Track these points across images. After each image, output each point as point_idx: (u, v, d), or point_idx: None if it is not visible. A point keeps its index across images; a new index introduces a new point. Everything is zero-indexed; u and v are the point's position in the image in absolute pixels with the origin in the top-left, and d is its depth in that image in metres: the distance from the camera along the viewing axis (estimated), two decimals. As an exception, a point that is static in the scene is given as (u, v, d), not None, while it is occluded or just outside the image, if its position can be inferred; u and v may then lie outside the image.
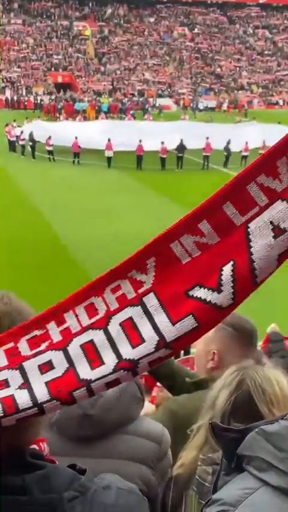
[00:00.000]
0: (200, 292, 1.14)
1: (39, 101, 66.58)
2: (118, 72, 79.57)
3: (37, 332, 1.20)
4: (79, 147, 33.68)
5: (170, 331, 1.14)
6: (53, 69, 77.70)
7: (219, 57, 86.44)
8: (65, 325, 1.20)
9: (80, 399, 1.16)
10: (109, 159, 32.99)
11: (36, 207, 23.25)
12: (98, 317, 1.19)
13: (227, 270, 1.13)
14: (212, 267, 1.15)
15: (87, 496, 1.19)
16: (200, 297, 1.14)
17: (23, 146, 36.17)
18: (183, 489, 2.29)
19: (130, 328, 1.17)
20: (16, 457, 1.19)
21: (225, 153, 33.73)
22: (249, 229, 1.15)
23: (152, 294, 1.18)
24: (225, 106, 70.62)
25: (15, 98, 68.42)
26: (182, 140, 32.92)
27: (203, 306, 1.14)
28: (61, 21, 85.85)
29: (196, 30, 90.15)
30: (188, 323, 1.14)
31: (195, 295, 1.15)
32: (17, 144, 36.91)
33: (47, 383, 1.15)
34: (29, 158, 35.14)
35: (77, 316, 1.20)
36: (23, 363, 1.18)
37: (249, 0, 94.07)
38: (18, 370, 1.17)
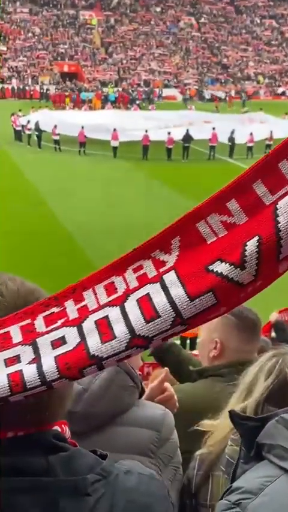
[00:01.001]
0: (221, 267, 1.10)
1: (45, 91, 66.49)
2: (124, 61, 79.33)
3: (55, 309, 1.18)
4: (85, 136, 33.65)
5: (188, 307, 1.10)
6: (59, 58, 77.52)
7: (225, 47, 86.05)
8: (83, 303, 1.18)
9: (88, 375, 1.13)
10: (115, 148, 32.96)
11: (42, 196, 23.29)
12: (116, 295, 1.17)
13: (252, 244, 1.10)
14: (236, 243, 1.11)
15: (109, 480, 1.19)
16: (221, 273, 1.09)
17: (29, 136, 36.16)
18: (209, 469, 2.30)
19: (146, 303, 1.13)
20: (40, 437, 1.19)
21: (230, 144, 33.65)
22: (277, 206, 1.11)
23: (172, 272, 1.15)
24: (231, 97, 70.46)
25: (21, 87, 68.36)
26: (188, 130, 32.85)
27: (223, 283, 1.09)
28: (67, 10, 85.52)
29: (203, 20, 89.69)
30: (208, 300, 1.09)
31: (215, 270, 1.10)
32: (23, 133, 36.91)
33: (56, 357, 1.11)
34: (35, 147, 35.13)
35: (95, 294, 1.18)
36: (37, 339, 1.15)
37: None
38: (30, 346, 1.14)
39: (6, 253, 15.62)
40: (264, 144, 33.33)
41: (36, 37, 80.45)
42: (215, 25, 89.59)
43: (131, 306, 1.14)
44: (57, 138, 34.61)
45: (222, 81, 78.31)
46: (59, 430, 1.25)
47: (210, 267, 1.11)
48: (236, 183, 1.16)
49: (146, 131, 32.60)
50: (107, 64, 78.59)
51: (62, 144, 34.69)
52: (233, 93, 73.24)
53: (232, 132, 33.57)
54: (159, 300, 1.12)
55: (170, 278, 1.14)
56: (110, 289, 1.17)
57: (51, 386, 1.10)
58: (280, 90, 77.33)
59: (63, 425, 1.26)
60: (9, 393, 1.09)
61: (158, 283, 1.14)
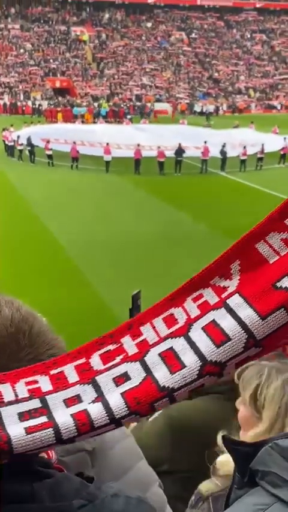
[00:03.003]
0: None
1: (37, 106, 66.69)
2: (116, 77, 79.69)
3: (111, 347, 1.14)
4: (77, 151, 33.70)
5: (260, 327, 1.05)
6: (50, 74, 77.81)
7: (216, 62, 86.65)
8: (141, 338, 1.13)
9: (159, 409, 1.08)
10: (107, 163, 33.00)
11: (34, 211, 23.22)
12: (177, 326, 1.12)
13: None
14: None
15: (95, 504, 1.16)
16: None
17: (21, 151, 36.19)
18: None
19: (213, 329, 1.08)
20: (24, 465, 1.16)
21: (221, 157, 33.76)
22: None
23: (236, 295, 1.10)
24: (222, 110, 70.89)
25: (13, 102, 68.53)
26: (180, 144, 32.94)
27: None
28: (59, 26, 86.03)
29: (193, 35, 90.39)
30: (280, 316, 1.04)
31: (284, 286, 1.05)
32: (15, 148, 36.93)
33: (123, 394, 1.07)
34: (27, 163, 35.13)
35: (154, 327, 1.13)
36: (96, 377, 1.12)
37: (246, 4, 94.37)
38: (90, 385, 1.11)
39: (-1, 268, 15.54)
40: (256, 157, 33.52)
41: (27, 53, 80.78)
42: (206, 40, 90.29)
43: (197, 335, 1.09)
44: (50, 153, 34.63)
45: (214, 95, 78.74)
46: (45, 456, 1.23)
47: (278, 284, 1.06)
48: None
49: (138, 145, 32.66)
50: (98, 79, 78.92)
51: (54, 159, 34.71)
52: (224, 107, 73.75)
53: (223, 146, 33.69)
54: (227, 323, 1.07)
55: (236, 301, 1.09)
56: (170, 321, 1.13)
57: (120, 424, 1.06)
58: (271, 103, 77.83)
59: (49, 451, 1.24)
60: (76, 433, 1.06)
61: (223, 308, 1.10)
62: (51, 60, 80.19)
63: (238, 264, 1.13)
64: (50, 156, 34.71)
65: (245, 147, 33.49)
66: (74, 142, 33.66)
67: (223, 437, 1.41)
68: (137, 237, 17.75)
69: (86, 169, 33.32)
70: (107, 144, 32.92)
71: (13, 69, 77.42)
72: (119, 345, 1.14)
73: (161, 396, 1.05)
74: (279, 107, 76.13)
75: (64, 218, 22.01)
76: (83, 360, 1.15)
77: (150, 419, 2.79)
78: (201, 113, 68.70)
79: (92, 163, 33.73)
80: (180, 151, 33.00)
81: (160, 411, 3.15)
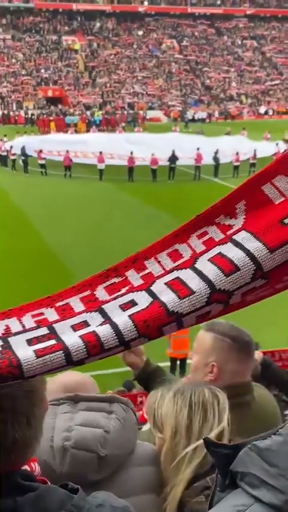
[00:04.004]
0: None
1: (30, 116, 66.71)
2: (108, 85, 79.82)
3: (115, 279, 1.16)
4: (70, 160, 33.72)
5: (268, 259, 1.06)
6: (43, 83, 77.86)
7: (208, 69, 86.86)
8: (146, 271, 1.14)
9: (167, 333, 1.08)
10: (101, 171, 33.02)
11: (28, 220, 23.20)
12: (183, 259, 1.13)
13: None
14: None
15: None
16: None
17: (14, 161, 36.19)
18: None
19: (220, 259, 1.08)
20: (7, 479, 1.15)
21: (214, 163, 33.83)
22: None
23: (243, 231, 1.11)
24: (214, 117, 71.09)
25: (5, 112, 68.52)
26: (173, 151, 32.99)
27: None
28: (50, 36, 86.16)
29: (184, 43, 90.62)
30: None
31: None
32: (8, 158, 36.94)
33: (130, 316, 1.07)
34: (20, 172, 35.13)
35: (159, 262, 1.15)
36: (103, 306, 1.12)
37: (237, 11, 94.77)
38: (97, 312, 1.11)
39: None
40: (249, 163, 33.60)
41: (19, 63, 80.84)
42: (197, 47, 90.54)
43: (204, 265, 1.09)
44: (43, 162, 34.65)
45: (206, 102, 78.94)
46: (28, 469, 1.22)
47: (286, 220, 1.08)
48: None
49: (132, 153, 32.69)
50: (91, 88, 79.03)
51: (47, 168, 34.72)
52: (216, 113, 73.95)
53: (216, 152, 33.77)
54: (235, 254, 1.08)
55: (243, 236, 1.10)
56: (175, 256, 1.14)
57: (129, 346, 1.06)
58: (263, 109, 78.06)
59: (32, 463, 1.23)
60: (87, 355, 1.05)
61: (229, 242, 1.11)
62: (43, 70, 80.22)
63: (244, 204, 1.14)
64: (43, 166, 34.73)
65: (237, 153, 33.58)
66: (67, 151, 33.65)
67: (204, 439, 1.39)
68: (132, 242, 17.73)
69: (80, 178, 33.34)
70: (100, 152, 32.93)
71: (5, 79, 77.43)
72: (123, 277, 1.15)
73: (169, 321, 1.05)
74: (271, 113, 76.35)
75: (59, 227, 21.99)
76: (88, 292, 1.16)
77: (143, 429, 2.77)
78: (193, 120, 68.84)
79: (85, 171, 33.75)
80: (173, 158, 33.07)
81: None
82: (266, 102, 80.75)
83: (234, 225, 1.14)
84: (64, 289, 1.18)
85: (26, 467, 1.23)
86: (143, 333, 1.05)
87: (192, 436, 2.07)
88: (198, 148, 33.46)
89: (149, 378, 3.03)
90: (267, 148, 35.73)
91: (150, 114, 71.29)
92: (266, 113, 76.69)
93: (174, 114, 71.19)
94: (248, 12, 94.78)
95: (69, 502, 1.15)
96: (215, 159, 33.86)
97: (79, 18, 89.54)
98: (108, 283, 1.16)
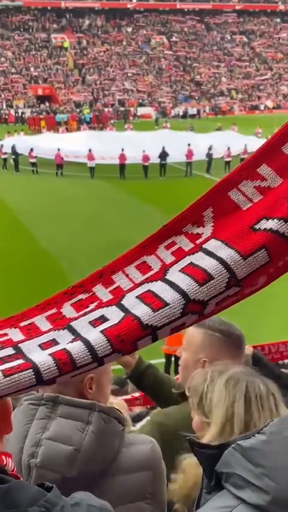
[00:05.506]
0: (269, 224, 1.06)
1: (20, 114, 66.49)
2: (98, 82, 79.65)
3: (82, 296, 1.12)
4: (62, 158, 33.64)
5: (241, 266, 1.04)
6: (32, 81, 77.64)
7: (197, 65, 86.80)
8: (115, 286, 1.11)
9: (141, 348, 1.06)
10: (92, 169, 32.94)
11: (20, 219, 23.13)
12: (153, 272, 1.10)
13: None
14: (278, 201, 1.08)
15: None
16: (271, 228, 1.05)
17: (5, 160, 36.09)
18: None
19: (193, 269, 1.06)
20: None
21: (207, 159, 33.80)
22: None
23: (212, 240, 1.09)
24: (205, 113, 71.06)
25: (-5, 111, 68.33)
26: (164, 147, 32.94)
27: (276, 238, 1.04)
28: (39, 34, 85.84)
29: (174, 39, 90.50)
30: (260, 257, 1.04)
31: (263, 227, 1.06)
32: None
33: (103, 331, 1.03)
34: (11, 171, 35.02)
35: (127, 275, 1.11)
36: (71, 323, 1.08)
37: (226, 6, 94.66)
38: (66, 329, 1.07)
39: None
40: (239, 159, 33.53)
41: (9, 61, 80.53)
42: (186, 43, 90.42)
43: (175, 276, 1.07)
44: (34, 160, 34.54)
45: (196, 97, 78.89)
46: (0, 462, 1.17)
47: (257, 226, 1.07)
48: (264, 149, 1.14)
49: (122, 150, 32.63)
50: (81, 85, 78.84)
51: (39, 166, 34.62)
52: (207, 109, 73.91)
53: (210, 148, 33.73)
54: (208, 263, 1.06)
55: (213, 244, 1.08)
56: (144, 268, 1.11)
57: (102, 362, 1.03)
58: (254, 104, 78.07)
59: (4, 457, 1.18)
60: (58, 373, 1.00)
61: (200, 252, 1.08)
62: (32, 68, 79.97)
63: (211, 211, 1.13)
64: (34, 164, 34.63)
65: (229, 149, 33.53)
66: (58, 149, 33.53)
67: (188, 439, 1.38)
68: (125, 239, 17.69)
69: (71, 176, 33.26)
70: (90, 150, 32.82)
71: (-5, 78, 77.21)
72: (91, 293, 1.12)
73: (144, 334, 1.03)
74: (262, 108, 76.38)
75: (50, 225, 21.94)
76: (54, 310, 1.11)
77: (137, 426, 2.76)
78: (184, 116, 68.78)
79: (76, 169, 33.67)
80: (164, 154, 33.02)
81: (147, 418, 3.11)
82: (257, 97, 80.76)
83: (202, 233, 1.11)
84: (27, 309, 1.13)
85: None
86: (117, 348, 1.02)
87: (246, 427, 2.00)
88: (189, 145, 33.43)
89: (141, 377, 3.01)
90: (258, 144, 35.63)
91: (141, 110, 71.20)
92: (257, 107, 76.71)
93: (166, 110, 71.07)
94: (237, 7, 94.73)
95: (42, 498, 1.10)
96: (208, 155, 33.84)
97: (68, 16, 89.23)
98: (74, 300, 1.12)
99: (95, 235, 20.44)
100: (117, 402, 3.85)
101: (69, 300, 1.12)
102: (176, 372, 4.30)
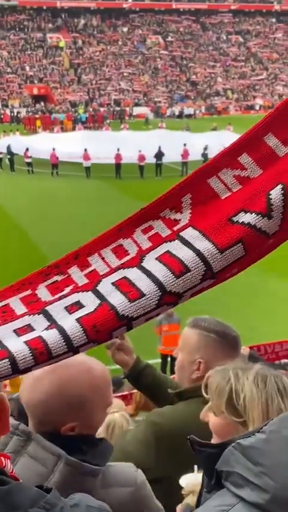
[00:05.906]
0: (247, 217, 1.05)
1: (15, 114, 66.42)
2: (94, 82, 79.62)
3: (57, 277, 1.10)
4: (57, 158, 33.59)
5: (217, 260, 1.04)
6: (28, 81, 77.55)
7: (193, 64, 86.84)
8: (90, 269, 1.10)
9: (115, 337, 1.05)
10: (87, 169, 32.90)
11: (15, 219, 23.07)
12: (129, 257, 1.09)
13: (276, 193, 1.05)
14: (257, 193, 1.07)
15: None
16: (249, 223, 1.05)
17: (0, 159, 36.03)
18: None
19: (169, 259, 1.05)
20: None
21: (203, 159, 33.79)
22: None
23: (190, 228, 1.08)
24: (201, 113, 71.09)
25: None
26: (160, 147, 32.94)
27: (252, 233, 1.04)
28: (34, 34, 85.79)
29: (169, 38, 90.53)
30: (237, 250, 1.04)
31: (241, 221, 1.05)
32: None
33: (78, 319, 1.02)
34: (7, 171, 34.96)
35: (103, 258, 1.10)
36: (46, 307, 1.06)
37: (221, 6, 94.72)
38: (41, 314, 1.05)
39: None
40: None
41: (4, 61, 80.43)
42: (182, 43, 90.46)
43: (152, 265, 1.06)
44: (29, 160, 34.50)
45: (192, 97, 78.92)
46: None
47: (235, 219, 1.06)
48: (246, 138, 1.14)
49: (118, 150, 32.60)
50: (76, 85, 78.80)
51: (34, 166, 34.58)
52: (203, 109, 73.93)
53: (205, 148, 33.77)
54: (185, 254, 1.05)
55: (190, 234, 1.07)
56: (120, 252, 1.10)
57: (77, 351, 1.02)
58: (249, 104, 78.13)
59: (3, 458, 1.18)
60: (34, 363, 0.99)
61: (177, 240, 1.08)
62: (28, 68, 79.91)
63: (189, 197, 1.12)
64: (29, 164, 34.59)
65: (224, 148, 33.52)
66: (54, 149, 33.50)
67: (189, 439, 1.37)
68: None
69: (67, 176, 33.21)
70: (85, 150, 32.80)
71: (-10, 77, 77.10)
72: (66, 275, 1.10)
73: (120, 325, 1.02)
74: (257, 107, 76.42)
75: (46, 225, 21.89)
76: (28, 292, 1.09)
77: (131, 426, 2.73)
78: (180, 116, 68.80)
79: (72, 169, 33.63)
80: (159, 154, 33.01)
81: (142, 418, 3.08)
82: (253, 97, 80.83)
83: (180, 220, 1.10)
84: (1, 289, 1.11)
85: None
86: (93, 339, 1.01)
87: None
88: (184, 144, 33.43)
89: (139, 377, 2.98)
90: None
91: (137, 110, 71.19)
92: (253, 107, 76.77)
93: (161, 110, 71.09)
94: (233, 7, 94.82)
95: (42, 499, 1.11)
96: (204, 155, 33.86)
97: (63, 16, 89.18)
98: (49, 281, 1.10)
99: (89, 234, 20.19)
100: (115, 403, 3.81)
101: (44, 281, 1.10)
102: (172, 372, 4.28)
